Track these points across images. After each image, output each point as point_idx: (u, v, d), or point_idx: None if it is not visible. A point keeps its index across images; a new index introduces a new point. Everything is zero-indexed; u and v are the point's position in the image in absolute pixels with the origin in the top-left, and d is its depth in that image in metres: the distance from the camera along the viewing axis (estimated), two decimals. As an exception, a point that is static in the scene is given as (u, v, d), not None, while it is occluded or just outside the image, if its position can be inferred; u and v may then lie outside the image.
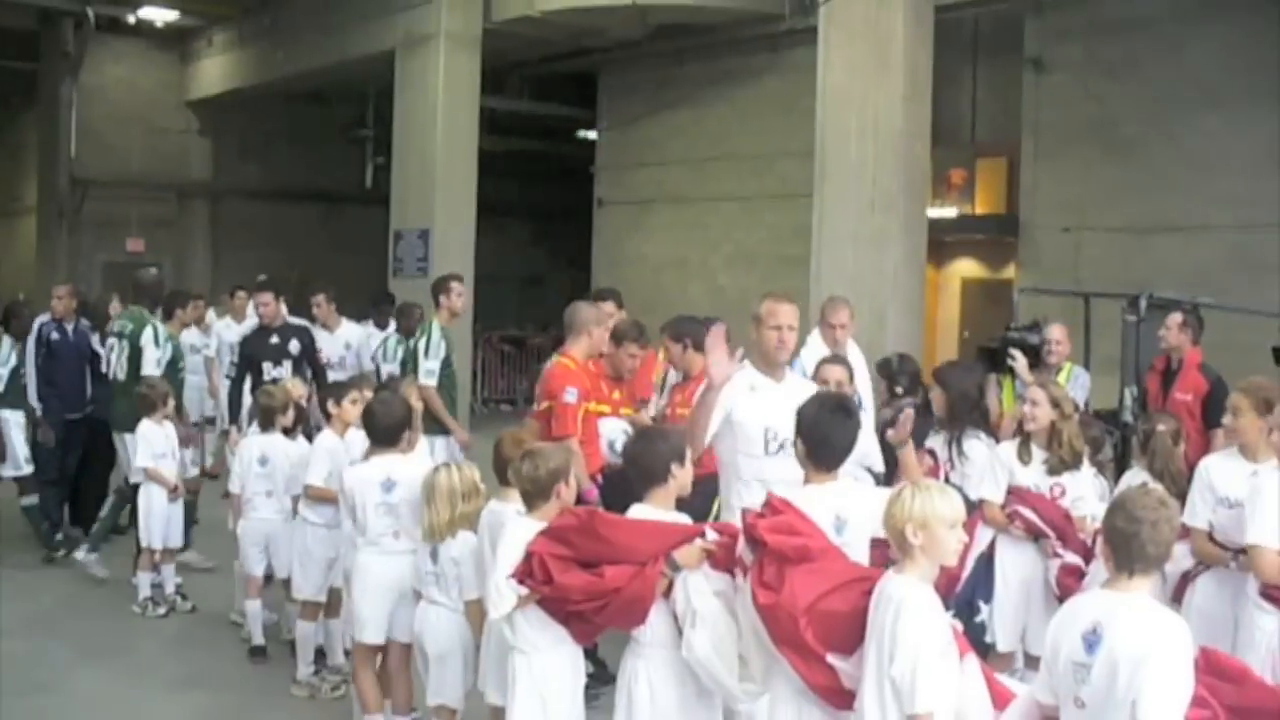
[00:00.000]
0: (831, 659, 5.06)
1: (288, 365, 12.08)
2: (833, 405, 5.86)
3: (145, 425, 10.99)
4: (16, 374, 12.69)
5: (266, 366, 11.99)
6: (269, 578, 9.74)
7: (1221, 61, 17.43)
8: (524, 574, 5.75)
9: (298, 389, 10.43)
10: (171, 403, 11.28)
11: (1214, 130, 17.48)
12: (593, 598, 5.59)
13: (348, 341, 13.99)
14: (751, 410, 6.73)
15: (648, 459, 5.96)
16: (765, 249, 22.40)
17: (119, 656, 9.63)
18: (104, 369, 12.44)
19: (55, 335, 13.01)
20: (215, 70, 29.43)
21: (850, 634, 5.04)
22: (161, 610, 10.66)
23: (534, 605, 5.84)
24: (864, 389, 9.63)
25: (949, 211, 20.55)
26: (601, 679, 7.78)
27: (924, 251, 15.21)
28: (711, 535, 5.65)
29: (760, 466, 6.69)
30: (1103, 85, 18.63)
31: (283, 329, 12.34)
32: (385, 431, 7.54)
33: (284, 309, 12.51)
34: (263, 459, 9.59)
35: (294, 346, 12.25)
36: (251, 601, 9.55)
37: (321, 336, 13.28)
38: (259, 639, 9.50)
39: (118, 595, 11.17)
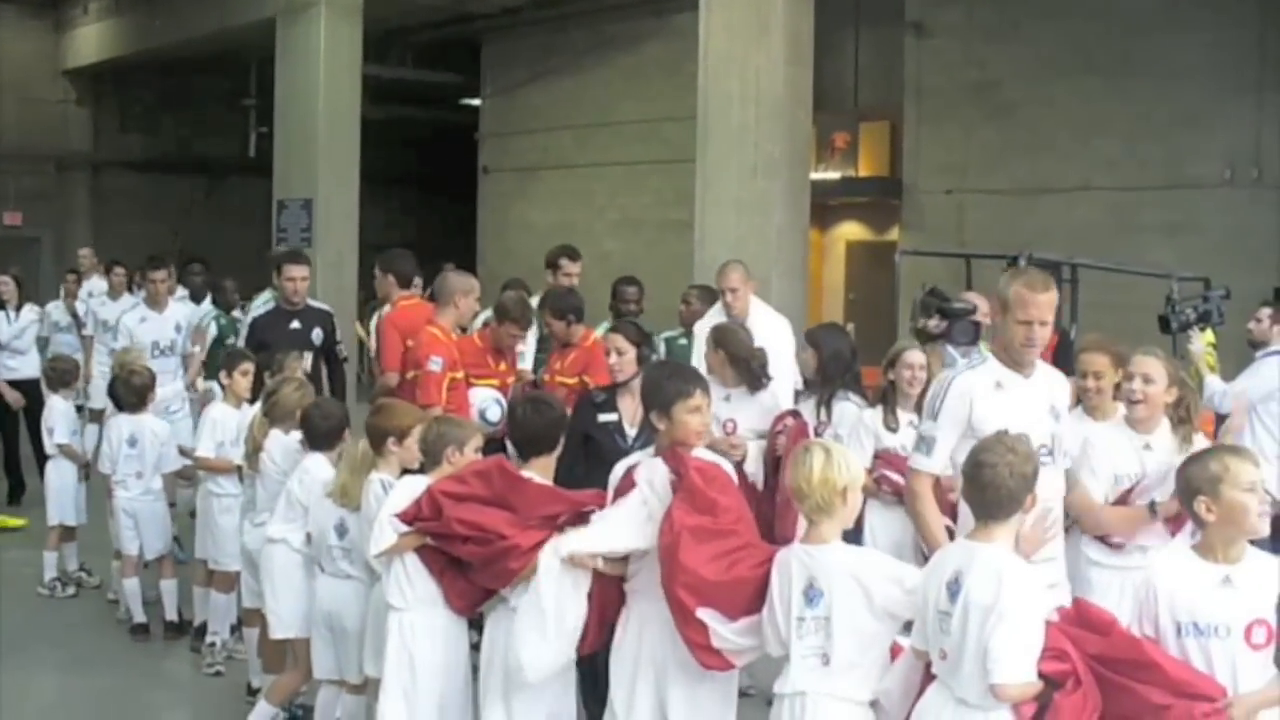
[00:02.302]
0: (703, 614, 5.09)
1: (308, 357, 10.18)
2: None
3: (57, 401, 10.84)
4: None
5: None
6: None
7: (1100, 25, 17.64)
8: (412, 515, 5.74)
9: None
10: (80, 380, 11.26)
11: (1093, 93, 17.69)
12: (476, 532, 5.56)
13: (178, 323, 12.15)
14: (996, 413, 5.63)
15: (538, 427, 5.94)
16: (650, 214, 22.43)
17: (-5, 638, 9.49)
18: None
19: None
20: (92, 38, 28.85)
21: (727, 598, 5.09)
22: (70, 590, 10.51)
23: (413, 555, 5.83)
24: (781, 353, 9.35)
25: (833, 175, 20.67)
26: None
27: (807, 216, 15.24)
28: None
29: None
30: (983, 49, 18.80)
31: (305, 313, 10.56)
32: (325, 436, 7.25)
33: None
34: (132, 439, 9.48)
35: (316, 335, 10.52)
36: (129, 580, 9.42)
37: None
38: (140, 617, 9.38)
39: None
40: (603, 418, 7.17)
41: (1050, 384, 5.91)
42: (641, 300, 10.88)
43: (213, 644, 8.67)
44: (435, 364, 8.46)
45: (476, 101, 27.04)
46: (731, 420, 7.90)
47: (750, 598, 5.09)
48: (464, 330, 9.20)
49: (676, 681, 5.37)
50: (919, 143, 19.80)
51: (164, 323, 11.99)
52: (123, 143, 30.41)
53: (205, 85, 30.04)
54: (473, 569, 5.74)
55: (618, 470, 5.63)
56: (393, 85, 26.51)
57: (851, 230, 22.02)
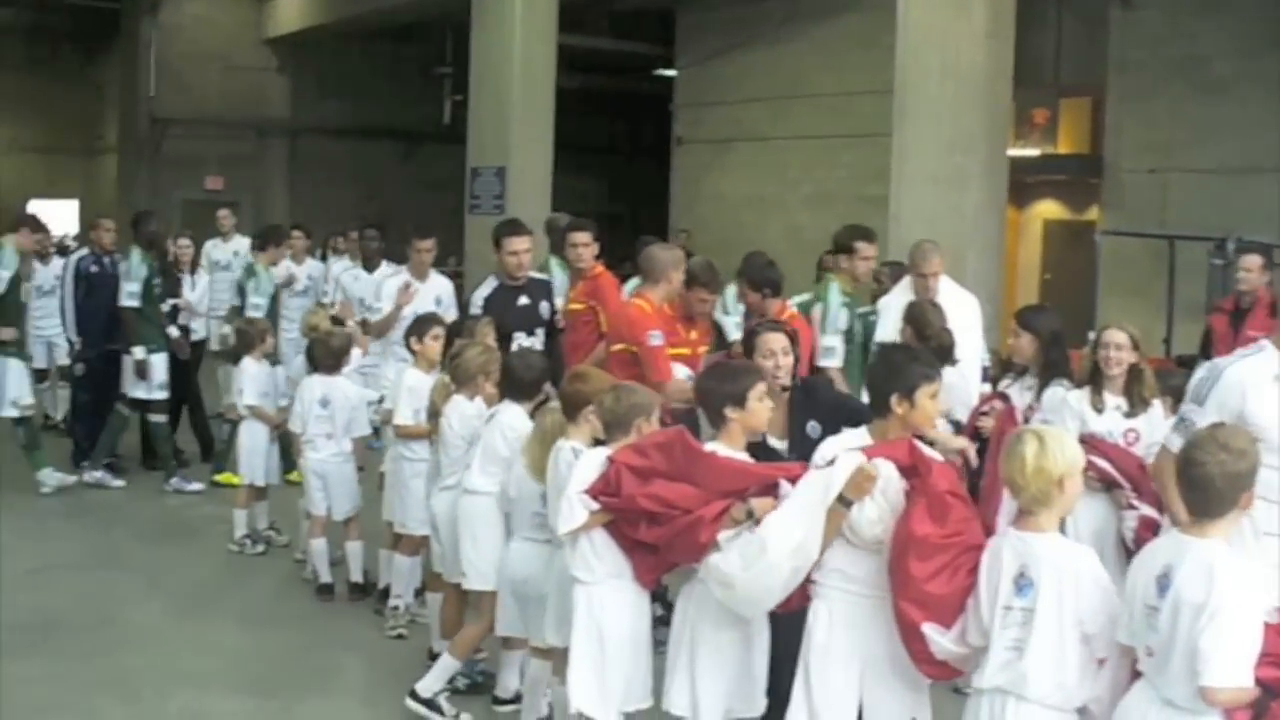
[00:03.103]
0: (926, 628, 4.93)
1: (540, 334, 9.65)
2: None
3: (249, 363, 10.97)
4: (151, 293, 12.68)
5: (519, 337, 9.35)
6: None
7: (1316, -2, 17.00)
8: (600, 489, 5.63)
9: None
10: (271, 340, 11.28)
11: (1308, 69, 17.07)
12: (659, 507, 5.43)
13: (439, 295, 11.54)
14: (1273, 406, 5.43)
15: (704, 397, 5.82)
16: (844, 189, 22.12)
17: (187, 592, 9.64)
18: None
19: (94, 268, 13.00)
20: (293, 7, 29.38)
21: (947, 609, 4.92)
22: (260, 548, 10.63)
23: (601, 530, 5.73)
24: (970, 332, 9.12)
25: (1031, 152, 20.19)
26: (669, 622, 7.62)
27: (1005, 193, 14.94)
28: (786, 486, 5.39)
29: None
30: (1192, 22, 18.20)
31: (530, 287, 9.73)
32: (526, 386, 7.21)
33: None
34: (324, 400, 9.53)
35: (544, 309, 9.77)
36: (316, 540, 9.48)
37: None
38: (326, 577, 9.44)
39: (187, 528, 11.32)
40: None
41: None
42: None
43: (396, 607, 8.70)
44: (656, 338, 8.20)
45: (671, 72, 26.94)
46: None
47: (964, 604, 4.91)
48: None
49: (884, 682, 5.26)
50: (1122, 119, 19.26)
51: (425, 293, 11.32)
52: (320, 110, 30.87)
53: (401, 53, 30.42)
54: (660, 547, 5.62)
55: (829, 453, 5.35)
56: (588, 55, 26.53)
57: (1049, 209, 21.51)
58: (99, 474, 12.50)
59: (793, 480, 5.33)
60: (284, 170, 30.90)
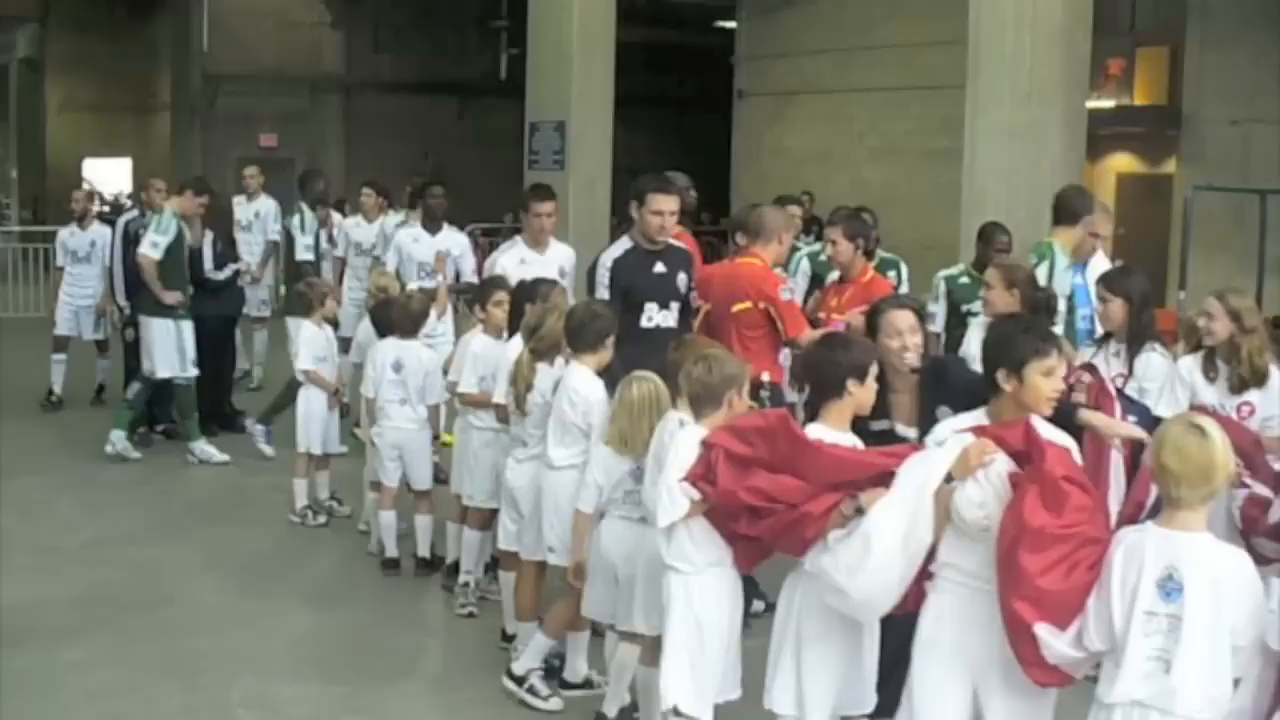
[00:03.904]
0: (1039, 629, 4.50)
1: (674, 309, 8.37)
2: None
3: (306, 327, 10.62)
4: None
5: (650, 308, 8.23)
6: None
7: None
8: (699, 475, 5.29)
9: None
10: (332, 303, 10.89)
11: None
12: (761, 501, 5.08)
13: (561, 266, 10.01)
14: None
15: (823, 369, 5.42)
16: (911, 142, 21.74)
17: (248, 566, 9.34)
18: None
19: (144, 230, 12.45)
20: (347, -39, 29.14)
21: (1062, 608, 4.48)
22: (321, 519, 10.30)
23: (700, 518, 5.40)
24: None
25: (1106, 103, 19.70)
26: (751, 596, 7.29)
27: (1083, 146, 14.52)
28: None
29: None
30: (1276, -35, 17.68)
31: (668, 254, 8.41)
32: (592, 338, 6.83)
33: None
34: (397, 364, 9.17)
35: (682, 280, 8.44)
36: (386, 512, 9.15)
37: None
38: (392, 551, 9.11)
39: (248, 500, 10.99)
40: (874, 426, 5.79)
41: None
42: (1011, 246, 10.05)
43: (466, 584, 8.36)
44: (788, 292, 8.10)
45: (732, 24, 26.53)
46: None
47: (1083, 603, 4.47)
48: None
49: (997, 688, 4.82)
50: (1202, 68, 18.78)
51: (545, 265, 9.66)
52: (375, 65, 30.67)
53: (456, 7, 30.14)
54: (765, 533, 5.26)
55: (942, 436, 4.99)
56: (647, 6, 26.16)
57: (1123, 162, 21.05)
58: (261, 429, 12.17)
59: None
60: (338, 126, 30.74)
